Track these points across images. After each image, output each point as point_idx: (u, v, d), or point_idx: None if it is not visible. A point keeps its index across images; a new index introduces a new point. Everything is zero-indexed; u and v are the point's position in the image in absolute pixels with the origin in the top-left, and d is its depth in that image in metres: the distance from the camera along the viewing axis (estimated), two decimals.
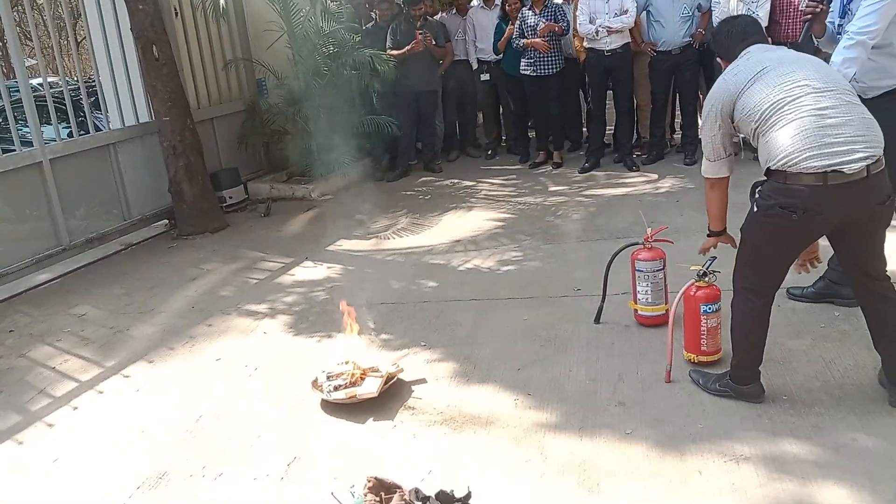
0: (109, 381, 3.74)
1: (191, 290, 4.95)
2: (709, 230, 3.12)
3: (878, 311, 2.75)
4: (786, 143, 2.52)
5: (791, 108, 2.53)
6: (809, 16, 3.46)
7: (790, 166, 2.52)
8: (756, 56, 2.73)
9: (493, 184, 7.02)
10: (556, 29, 6.75)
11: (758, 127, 2.62)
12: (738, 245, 2.85)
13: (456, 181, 7.27)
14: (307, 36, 7.00)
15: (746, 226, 2.75)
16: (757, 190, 2.71)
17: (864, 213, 2.56)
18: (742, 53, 2.79)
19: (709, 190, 2.98)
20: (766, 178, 2.67)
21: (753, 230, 2.72)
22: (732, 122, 2.76)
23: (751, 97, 2.62)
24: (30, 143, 5.60)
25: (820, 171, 2.47)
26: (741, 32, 2.84)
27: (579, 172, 6.95)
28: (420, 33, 7.15)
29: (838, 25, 3.52)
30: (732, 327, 2.87)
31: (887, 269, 2.75)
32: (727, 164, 2.88)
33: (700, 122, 2.93)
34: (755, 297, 2.78)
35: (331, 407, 3.19)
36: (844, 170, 2.45)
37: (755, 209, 2.69)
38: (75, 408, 3.50)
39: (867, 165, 2.47)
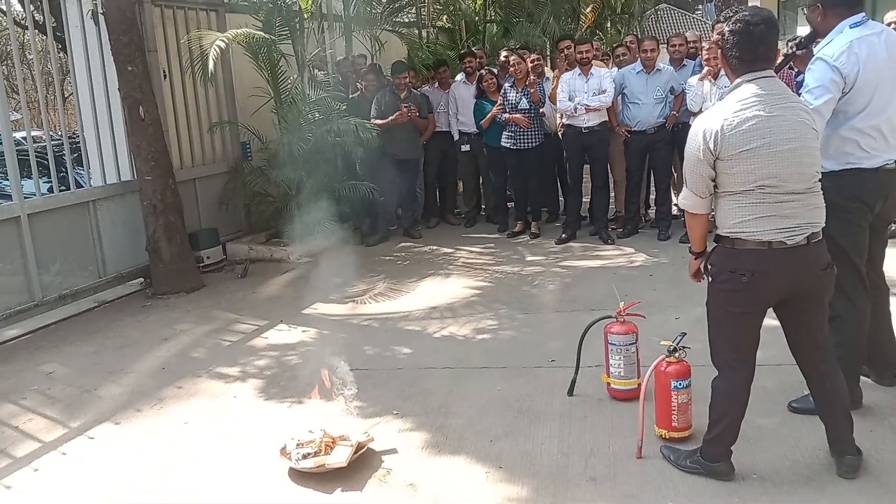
0: (73, 442, 3.66)
1: (162, 350, 4.89)
2: (695, 252, 2.96)
3: (822, 384, 2.87)
4: (741, 216, 2.66)
5: (758, 194, 2.63)
6: (783, 58, 3.51)
7: (736, 234, 2.67)
8: (754, 115, 2.59)
9: (471, 252, 7.09)
10: (524, 121, 6.93)
11: (725, 190, 2.70)
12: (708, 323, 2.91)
13: (435, 248, 7.33)
14: (293, 102, 7.14)
15: (708, 300, 2.87)
16: (708, 260, 2.83)
17: (808, 277, 2.71)
18: (742, 83, 2.67)
19: (693, 219, 2.89)
20: (715, 243, 2.79)
21: (713, 302, 2.84)
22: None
23: (731, 165, 2.63)
24: (9, 197, 5.59)
25: (765, 240, 2.63)
26: (752, 51, 2.66)
27: (556, 243, 7.05)
28: (405, 105, 7.32)
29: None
30: (712, 404, 2.90)
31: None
32: (711, 201, 2.79)
33: (683, 181, 2.83)
34: (733, 373, 2.84)
35: (298, 476, 3.14)
36: (787, 242, 2.63)
37: (709, 280, 2.82)
38: (36, 469, 3.41)
39: (807, 236, 2.65)
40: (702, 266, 2.87)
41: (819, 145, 2.74)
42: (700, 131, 2.67)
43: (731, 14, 2.74)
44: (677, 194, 7.54)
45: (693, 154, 2.70)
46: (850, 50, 3.08)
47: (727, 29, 2.71)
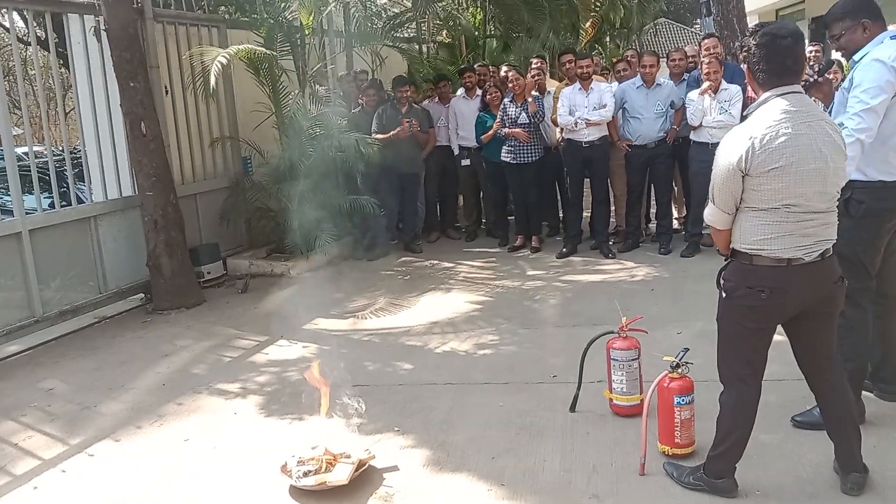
0: (73, 459, 3.64)
1: (162, 366, 4.88)
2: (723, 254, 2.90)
3: (831, 398, 2.86)
4: (763, 234, 2.64)
5: (783, 212, 2.60)
6: (803, 83, 3.48)
7: (756, 251, 2.66)
8: (784, 132, 2.55)
9: (472, 266, 7.09)
10: (523, 135, 6.96)
11: (749, 206, 2.67)
12: (718, 337, 2.89)
13: (435, 262, 7.33)
14: (295, 118, 7.16)
15: (720, 315, 2.84)
16: (722, 275, 2.80)
17: (823, 290, 2.71)
18: (770, 98, 2.64)
19: (718, 233, 2.83)
20: (731, 258, 2.77)
21: (726, 317, 2.82)
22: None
23: (760, 183, 2.60)
24: (10, 212, 5.60)
25: (784, 257, 2.63)
26: (780, 64, 2.62)
27: (557, 258, 7.05)
28: (406, 120, 7.35)
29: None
30: (719, 418, 2.88)
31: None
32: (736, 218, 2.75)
33: (710, 197, 2.77)
34: (743, 386, 2.82)
35: (299, 493, 3.12)
36: (805, 258, 2.64)
37: (723, 295, 2.79)
38: (35, 487, 3.40)
39: (821, 252, 2.67)
40: (716, 283, 2.84)
41: (844, 164, 2.70)
42: (731, 147, 2.62)
43: (758, 28, 2.73)
44: (678, 209, 7.64)
45: (724, 170, 2.64)
46: None
47: (753, 42, 2.68)
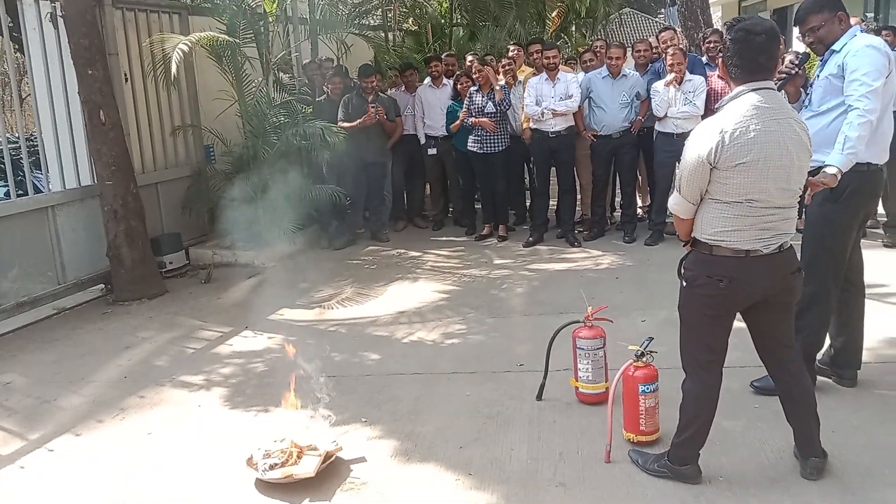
0: (32, 455, 3.56)
1: (124, 358, 4.79)
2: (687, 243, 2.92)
3: (790, 385, 2.92)
4: (724, 226, 2.68)
5: (745, 206, 2.64)
6: (784, 76, 3.53)
7: (716, 242, 2.71)
8: (753, 127, 2.58)
9: (439, 255, 7.08)
10: (490, 125, 6.96)
11: (712, 198, 2.70)
12: (680, 326, 2.92)
13: (402, 251, 7.30)
14: (258, 106, 7.06)
15: (681, 303, 2.88)
16: (682, 265, 2.85)
17: (780, 281, 2.76)
18: (743, 93, 2.66)
19: (681, 222, 2.84)
20: (691, 248, 2.82)
21: (687, 306, 2.86)
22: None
23: (727, 176, 2.62)
24: None
25: (743, 249, 2.68)
26: (753, 60, 2.65)
27: (524, 246, 7.07)
28: (372, 107, 7.28)
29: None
30: (682, 406, 2.92)
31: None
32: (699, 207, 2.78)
33: (676, 187, 2.79)
34: (704, 374, 2.87)
35: (265, 486, 3.09)
36: (763, 250, 2.69)
37: (684, 284, 2.84)
38: None
39: (779, 244, 2.72)
40: (677, 272, 2.88)
41: (808, 162, 2.74)
42: (702, 140, 2.65)
43: (734, 23, 2.74)
44: (642, 197, 7.71)
45: (693, 162, 2.67)
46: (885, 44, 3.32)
47: (728, 37, 2.70)
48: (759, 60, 2.66)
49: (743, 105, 2.64)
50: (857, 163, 3.26)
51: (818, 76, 3.50)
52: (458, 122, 7.21)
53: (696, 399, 2.88)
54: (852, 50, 3.29)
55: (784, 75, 3.51)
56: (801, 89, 3.61)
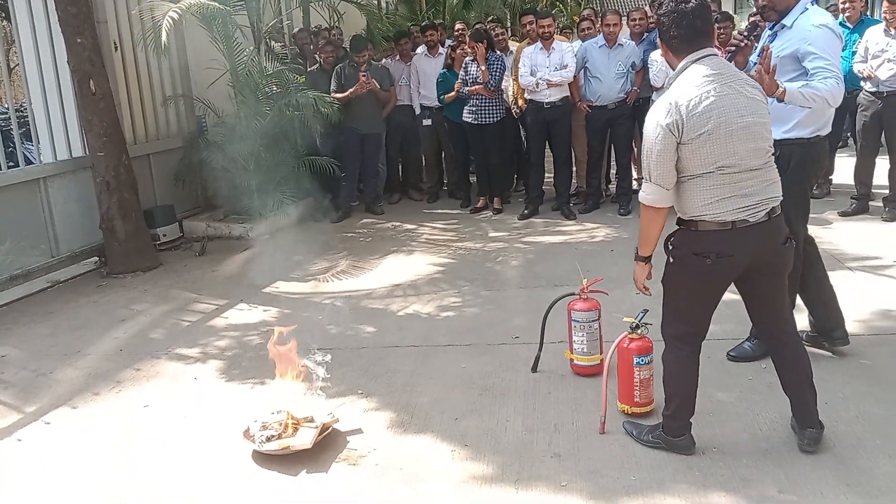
0: (29, 427, 3.57)
1: (119, 331, 4.78)
2: (643, 256, 2.91)
3: (786, 355, 2.92)
4: (703, 199, 2.66)
5: (717, 175, 2.63)
6: (733, 48, 3.60)
7: (699, 217, 2.69)
8: (707, 95, 2.57)
9: (434, 228, 7.06)
10: (486, 91, 6.90)
11: (685, 174, 2.69)
12: (663, 296, 2.94)
13: (397, 224, 7.28)
14: (250, 75, 6.97)
15: (666, 277, 2.88)
16: (670, 241, 2.84)
17: (770, 251, 2.75)
18: (688, 65, 2.66)
19: (654, 215, 2.77)
20: (677, 226, 2.81)
21: (672, 280, 2.85)
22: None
23: (692, 150, 2.61)
24: None
25: (728, 220, 2.66)
26: (690, 27, 2.66)
27: (518, 219, 7.06)
28: (363, 75, 7.20)
29: (754, 65, 3.69)
30: (664, 378, 2.95)
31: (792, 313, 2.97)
32: (675, 192, 2.75)
33: (645, 176, 2.74)
34: (683, 346, 2.88)
35: (262, 458, 3.11)
36: (750, 220, 2.67)
37: (671, 260, 2.83)
38: None
39: (767, 212, 2.70)
40: (664, 247, 2.87)
41: (769, 120, 2.74)
42: (659, 118, 2.62)
43: (660, 2, 2.75)
44: (638, 169, 7.69)
45: (657, 142, 2.63)
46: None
47: (660, 13, 2.72)
48: (695, 25, 2.67)
49: (692, 76, 2.64)
50: (803, 136, 3.43)
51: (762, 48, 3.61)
52: (453, 93, 7.15)
53: (676, 370, 2.90)
54: (808, 36, 3.31)
55: (733, 47, 3.60)
56: (748, 59, 3.70)
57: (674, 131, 2.59)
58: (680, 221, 2.80)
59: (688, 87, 2.61)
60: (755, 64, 3.58)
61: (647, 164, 2.70)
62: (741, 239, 2.67)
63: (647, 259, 2.91)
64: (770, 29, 3.60)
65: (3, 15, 7.88)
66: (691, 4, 2.65)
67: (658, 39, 2.86)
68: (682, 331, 2.88)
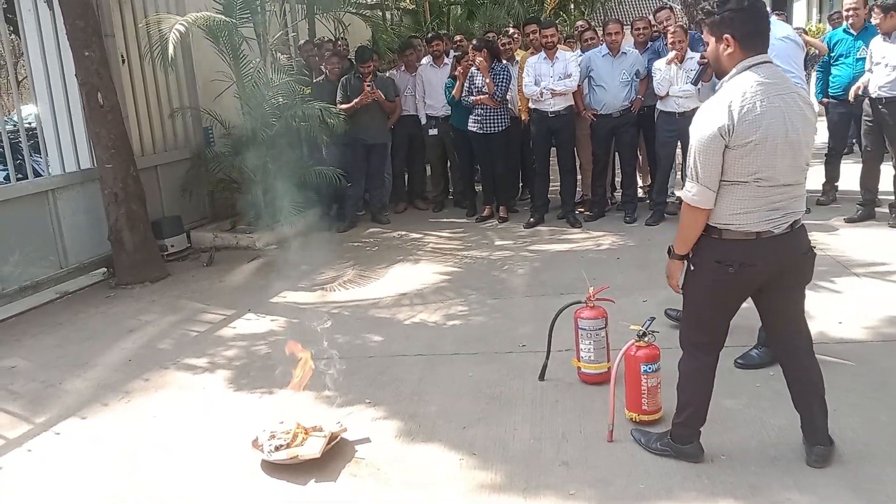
0: (38, 438, 3.58)
1: (128, 342, 4.81)
2: (678, 255, 2.85)
3: (798, 369, 2.89)
4: (732, 209, 2.63)
5: (752, 186, 2.59)
6: (706, 60, 3.60)
7: (725, 226, 2.66)
8: (758, 105, 2.53)
9: (440, 237, 7.08)
10: (490, 100, 6.93)
11: (722, 179, 2.63)
12: (683, 305, 2.94)
13: (403, 233, 7.31)
14: (256, 87, 7.02)
15: (686, 284, 2.86)
16: (691, 249, 2.81)
17: (791, 262, 2.73)
18: (741, 71, 2.60)
19: (698, 216, 2.69)
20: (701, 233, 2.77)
21: (693, 288, 2.83)
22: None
23: (736, 156, 2.57)
24: None
25: (753, 231, 2.64)
26: (759, 33, 2.61)
27: (524, 228, 7.08)
28: (367, 85, 7.25)
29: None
30: (679, 386, 2.93)
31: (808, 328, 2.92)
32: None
33: (691, 176, 2.66)
34: (701, 355, 2.87)
35: (271, 468, 3.12)
36: (774, 231, 2.65)
37: (692, 268, 2.81)
38: (0, 467, 3.33)
39: (791, 223, 2.67)
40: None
41: (814, 137, 2.71)
42: (713, 119, 2.57)
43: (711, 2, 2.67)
44: (643, 177, 7.71)
45: (707, 143, 2.57)
46: None
47: (731, 8, 2.59)
48: (763, 36, 2.62)
49: (746, 81, 2.57)
50: None
51: None
52: (457, 86, 7.16)
53: (691, 379, 2.89)
54: (773, 48, 3.14)
55: (705, 60, 3.81)
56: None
57: (724, 134, 2.54)
58: (704, 227, 2.74)
59: (742, 92, 2.55)
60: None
61: (695, 164, 2.63)
62: (764, 249, 2.65)
63: (684, 258, 2.85)
64: None
65: (12, 28, 7.94)
66: (761, 4, 2.63)
67: (708, 34, 2.72)
68: (701, 340, 2.87)
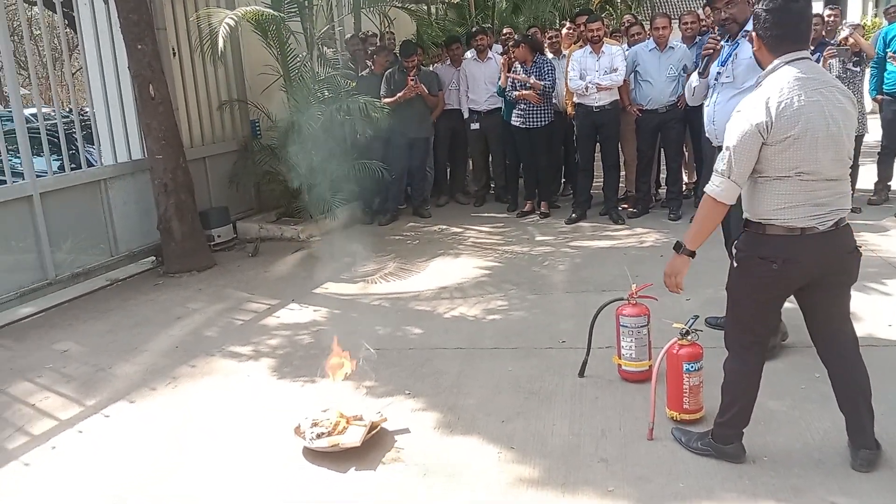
0: (89, 420, 3.70)
1: (175, 329, 4.93)
2: (688, 250, 2.86)
3: (843, 370, 2.84)
4: (776, 203, 2.62)
5: (795, 181, 2.58)
6: (711, 51, 3.73)
7: (769, 221, 2.64)
8: (797, 99, 2.53)
9: (480, 231, 7.09)
10: (533, 96, 6.91)
11: (762, 175, 2.64)
12: (727, 304, 2.90)
13: (444, 227, 7.33)
14: (303, 80, 7.11)
15: (730, 283, 2.84)
16: (734, 245, 2.79)
17: (836, 261, 2.69)
18: (780, 66, 2.61)
19: (720, 210, 2.72)
20: (744, 228, 2.76)
21: (736, 286, 2.81)
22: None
23: (776, 151, 2.58)
24: (21, 175, 5.61)
25: (798, 227, 2.62)
26: (795, 29, 2.62)
27: (566, 223, 7.04)
28: (411, 78, 7.29)
29: (717, 73, 3.95)
30: (724, 386, 2.90)
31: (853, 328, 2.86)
32: (748, 193, 2.72)
33: (724, 171, 2.65)
34: (748, 356, 2.84)
35: (313, 455, 3.17)
36: (819, 227, 2.62)
37: (735, 265, 2.78)
38: (53, 447, 3.46)
39: (836, 221, 2.64)
40: (728, 250, 2.84)
41: (854, 131, 2.68)
42: (751, 115, 2.57)
43: None
44: (689, 174, 7.59)
45: (744, 139, 2.57)
46: None
47: (763, 8, 2.64)
48: (800, 27, 2.63)
49: (784, 77, 2.58)
50: None
51: (730, 56, 3.89)
52: (502, 77, 7.18)
53: (737, 379, 2.86)
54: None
55: (710, 50, 3.84)
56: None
57: (762, 131, 2.55)
58: (747, 223, 2.74)
59: (779, 88, 2.56)
60: (722, 64, 3.90)
61: (730, 160, 2.63)
62: (809, 246, 2.63)
63: (693, 254, 2.86)
64: (726, 42, 3.94)
65: (67, 23, 8.16)
66: (800, 4, 2.62)
67: (753, 32, 2.77)
68: (747, 340, 2.84)
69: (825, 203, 2.62)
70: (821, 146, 2.54)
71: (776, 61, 2.64)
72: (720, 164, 2.68)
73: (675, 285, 2.94)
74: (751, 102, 2.62)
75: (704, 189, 2.77)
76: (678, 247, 2.89)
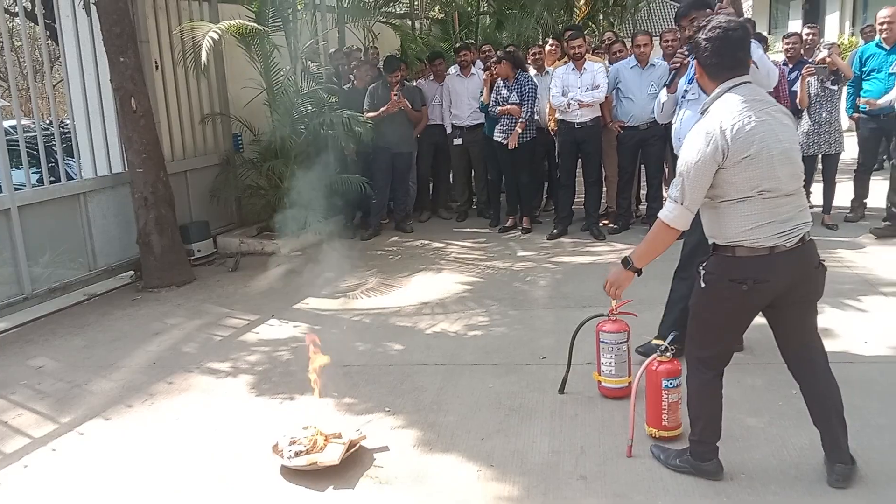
0: (63, 438, 3.65)
1: (153, 345, 4.88)
2: (635, 267, 2.94)
3: (814, 385, 2.87)
4: (742, 225, 2.66)
5: (758, 200, 2.63)
6: (678, 65, 3.77)
7: (737, 243, 2.69)
8: (749, 120, 2.59)
9: (462, 246, 7.10)
10: (517, 110, 6.96)
11: (724, 199, 2.68)
12: (688, 319, 2.93)
13: (426, 242, 7.33)
14: (286, 94, 7.10)
15: (695, 301, 2.86)
16: (702, 266, 2.81)
17: (803, 277, 2.74)
18: (723, 93, 2.69)
19: (671, 235, 2.79)
20: (712, 251, 2.79)
21: (703, 305, 2.84)
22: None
23: (734, 173, 2.62)
24: None
25: (767, 245, 2.66)
26: (732, 58, 2.71)
27: (547, 239, 7.07)
28: (395, 94, 7.31)
29: (684, 90, 3.96)
30: (688, 402, 2.94)
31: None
32: (711, 217, 2.77)
33: (676, 197, 2.70)
34: (707, 370, 2.88)
35: (291, 473, 3.14)
36: (786, 245, 2.67)
37: (703, 285, 2.80)
38: (25, 466, 3.40)
39: (801, 237, 2.70)
40: (696, 270, 2.85)
41: (798, 147, 2.81)
42: (702, 143, 2.62)
43: (706, 23, 2.79)
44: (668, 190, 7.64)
45: (699, 167, 2.62)
46: None
47: (703, 37, 2.74)
48: (737, 55, 2.72)
49: (730, 102, 2.67)
50: None
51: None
52: (485, 91, 7.24)
53: (699, 393, 2.90)
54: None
55: (677, 64, 3.85)
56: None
57: (717, 157, 2.60)
58: (715, 247, 2.78)
59: (728, 113, 2.63)
60: (689, 81, 3.87)
61: (683, 187, 2.68)
62: (778, 264, 2.67)
63: (640, 272, 2.94)
64: (693, 59, 3.89)
65: (50, 34, 8.12)
66: (738, 33, 2.71)
67: (695, 62, 2.87)
68: (708, 354, 2.87)
69: (789, 219, 2.67)
70: (777, 162, 2.61)
71: (717, 89, 2.74)
72: (674, 190, 2.73)
73: (615, 295, 3.08)
74: (702, 129, 2.67)
75: (658, 213, 2.82)
76: (626, 262, 2.94)
